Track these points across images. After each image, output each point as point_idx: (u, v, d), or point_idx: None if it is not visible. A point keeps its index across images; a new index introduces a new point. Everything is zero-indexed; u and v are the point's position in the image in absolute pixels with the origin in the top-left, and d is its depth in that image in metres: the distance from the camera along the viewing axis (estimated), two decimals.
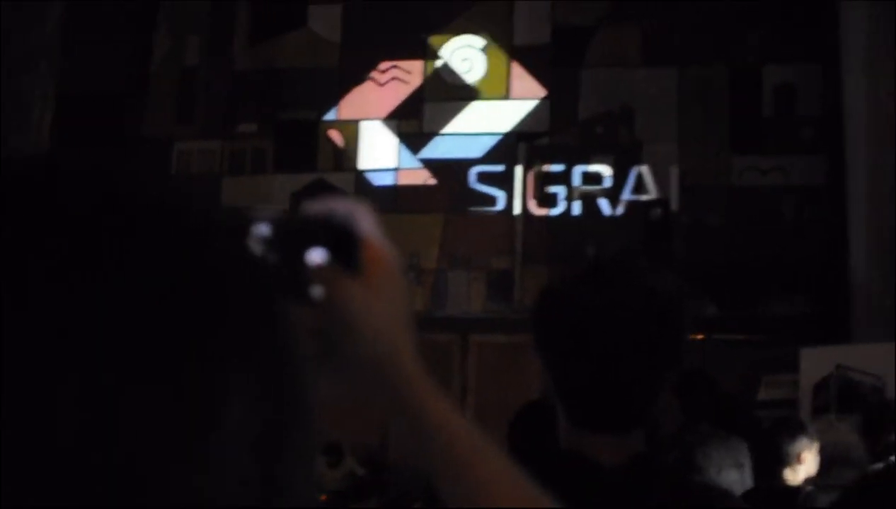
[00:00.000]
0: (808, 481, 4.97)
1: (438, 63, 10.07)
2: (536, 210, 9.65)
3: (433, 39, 10.10)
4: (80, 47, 9.27)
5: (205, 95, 10.20)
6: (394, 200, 9.28)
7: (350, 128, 10.05)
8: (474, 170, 9.76)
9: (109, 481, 0.45)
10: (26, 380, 0.45)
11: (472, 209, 9.68)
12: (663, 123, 9.66)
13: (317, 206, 0.99)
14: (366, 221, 1.00)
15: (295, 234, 0.95)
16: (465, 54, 10.05)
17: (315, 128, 10.05)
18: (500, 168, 9.76)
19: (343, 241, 0.97)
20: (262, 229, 0.89)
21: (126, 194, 0.53)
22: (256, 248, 0.61)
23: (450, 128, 9.94)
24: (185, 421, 0.48)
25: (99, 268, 0.48)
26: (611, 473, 1.78)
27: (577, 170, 9.66)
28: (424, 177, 9.80)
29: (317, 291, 0.96)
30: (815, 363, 7.10)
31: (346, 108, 10.08)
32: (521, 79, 9.95)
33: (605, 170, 9.66)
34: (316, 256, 0.96)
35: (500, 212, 9.66)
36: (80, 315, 0.47)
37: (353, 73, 10.02)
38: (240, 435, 0.50)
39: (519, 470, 1.01)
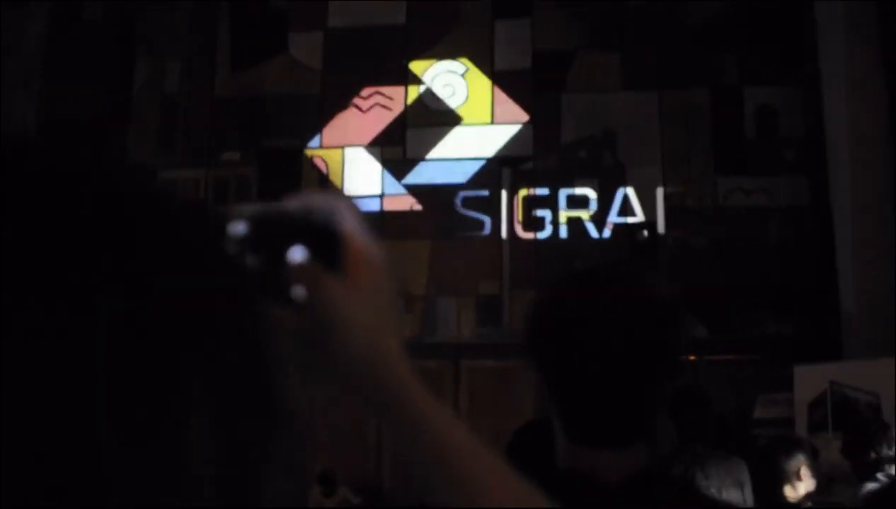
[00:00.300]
0: (808, 497, 4.93)
1: (421, 89, 10.05)
2: (523, 234, 9.62)
3: (415, 65, 10.09)
4: (61, 73, 9.22)
5: (186, 123, 10.13)
6: (380, 227, 9.22)
7: (334, 155, 10.00)
8: (459, 196, 9.73)
9: (89, 479, 0.44)
10: (23, 380, 0.43)
11: (459, 234, 9.64)
12: (646, 146, 9.66)
13: (297, 203, 0.95)
14: (348, 217, 0.96)
15: (274, 232, 0.91)
16: (446, 80, 10.04)
17: (298, 156, 10.00)
18: (484, 193, 9.73)
19: (325, 239, 0.94)
20: (240, 228, 0.85)
21: (123, 194, 0.50)
22: (234, 248, 0.58)
23: (433, 153, 9.91)
24: (157, 428, 0.46)
25: (93, 271, 0.46)
26: (611, 490, 1.71)
27: (563, 194, 9.66)
28: (410, 203, 9.76)
29: (298, 292, 0.92)
30: (809, 380, 7.08)
31: (329, 135, 10.04)
32: (504, 104, 9.95)
33: (590, 193, 9.65)
34: (297, 255, 0.92)
35: (486, 237, 9.62)
36: (75, 317, 0.45)
37: (336, 100, 9.98)
38: (215, 444, 0.48)
39: (508, 466, 0.98)
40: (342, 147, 9.99)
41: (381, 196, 9.80)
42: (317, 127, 10.01)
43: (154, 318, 0.47)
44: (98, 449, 0.44)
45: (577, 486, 1.69)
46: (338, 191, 10.30)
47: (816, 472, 4.99)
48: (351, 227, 0.95)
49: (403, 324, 0.98)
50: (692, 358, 7.99)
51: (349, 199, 0.97)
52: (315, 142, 10.03)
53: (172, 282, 0.49)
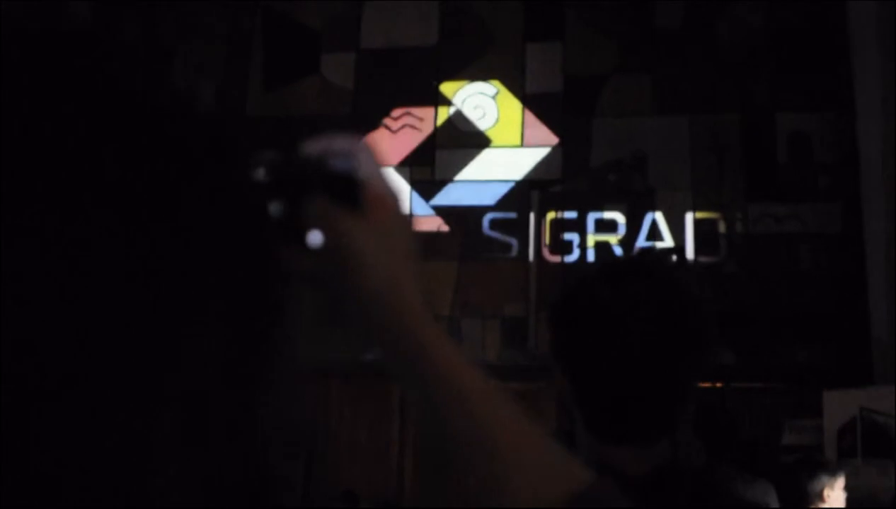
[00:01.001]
0: None
1: (451, 110, 10.06)
2: (550, 257, 9.56)
3: (445, 86, 10.10)
4: None
5: None
6: None
7: None
8: (487, 218, 9.70)
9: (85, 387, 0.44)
10: (42, 315, 0.44)
11: (486, 256, 9.61)
12: (676, 171, 9.61)
13: (314, 146, 0.97)
14: (365, 159, 0.98)
15: (293, 177, 0.93)
16: (477, 102, 10.04)
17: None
18: (512, 215, 9.70)
19: (343, 181, 0.96)
20: (260, 174, 0.87)
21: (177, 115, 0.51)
22: (253, 193, 0.59)
23: (462, 175, 9.90)
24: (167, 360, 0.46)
25: (106, 200, 0.46)
26: (635, 483, 1.67)
27: (591, 218, 9.61)
28: (437, 224, 9.73)
29: (317, 236, 0.94)
30: (839, 406, 6.99)
31: None
32: (534, 127, 9.93)
33: (618, 217, 9.60)
34: (315, 198, 0.94)
35: (513, 259, 9.58)
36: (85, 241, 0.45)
37: (366, 120, 9.99)
38: (224, 377, 0.48)
39: (523, 410, 0.98)
40: None
41: (410, 216, 9.77)
42: None
43: (168, 258, 0.47)
44: (106, 376, 0.44)
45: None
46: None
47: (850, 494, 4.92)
48: (368, 169, 0.97)
49: (419, 264, 1.00)
50: (719, 384, 7.91)
51: (366, 142, 1.00)
52: None
53: (189, 225, 0.48)
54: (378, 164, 1.00)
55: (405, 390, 0.98)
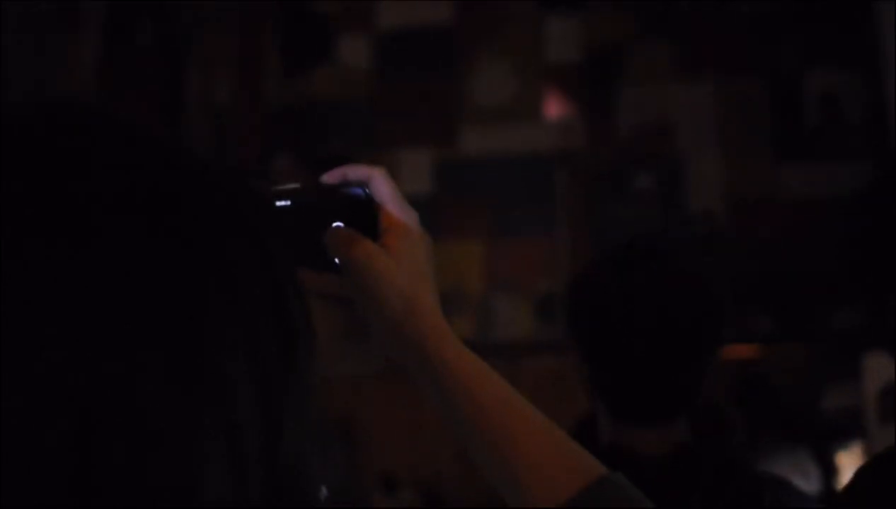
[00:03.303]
0: None
1: (471, 86, 9.95)
2: (578, 229, 9.44)
3: (464, 63, 9.99)
4: (114, 92, 9.34)
5: (238, 132, 10.16)
6: (434, 226, 9.07)
7: (386, 158, 9.94)
8: (513, 193, 9.62)
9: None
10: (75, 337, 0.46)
11: (514, 232, 9.55)
12: (704, 136, 9.49)
13: (333, 176, 1.05)
14: (381, 186, 1.07)
15: (313, 207, 1.00)
16: (497, 76, 9.93)
17: (351, 161, 9.93)
18: (539, 189, 9.59)
19: (360, 208, 1.04)
20: (281, 204, 0.94)
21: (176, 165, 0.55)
22: (275, 222, 0.61)
23: (486, 151, 9.79)
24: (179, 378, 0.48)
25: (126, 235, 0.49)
26: (654, 465, 1.74)
27: (619, 187, 9.49)
28: (464, 202, 9.70)
29: (336, 260, 1.01)
30: (880, 369, 6.94)
31: (381, 138, 10.01)
32: (557, 98, 9.83)
33: (647, 185, 9.46)
34: (334, 226, 1.01)
35: (542, 234, 9.51)
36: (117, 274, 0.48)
37: (386, 102, 9.94)
38: (251, 396, 0.50)
39: (544, 418, 1.02)
40: (394, 149, 9.93)
41: (435, 195, 9.73)
42: (368, 130, 9.98)
43: (191, 285, 0.49)
44: (154, 409, 0.46)
45: (619, 462, 1.75)
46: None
47: None
48: (384, 196, 1.07)
49: (437, 284, 1.03)
50: (756, 349, 7.86)
51: (382, 169, 1.06)
52: (367, 145, 10.00)
53: (210, 253, 0.51)
54: (393, 189, 1.06)
55: (430, 401, 1.03)
